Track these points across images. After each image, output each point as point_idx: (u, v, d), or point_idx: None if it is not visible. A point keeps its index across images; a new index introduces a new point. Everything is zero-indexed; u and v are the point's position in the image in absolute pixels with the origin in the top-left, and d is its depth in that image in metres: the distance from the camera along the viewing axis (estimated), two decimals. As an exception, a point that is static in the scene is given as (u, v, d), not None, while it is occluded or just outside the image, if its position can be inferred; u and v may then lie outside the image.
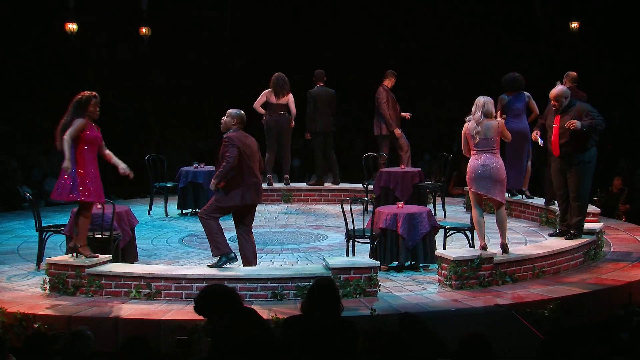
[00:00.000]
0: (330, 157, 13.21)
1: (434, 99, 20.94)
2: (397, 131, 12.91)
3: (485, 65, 20.11)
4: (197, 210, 12.28)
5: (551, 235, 9.73)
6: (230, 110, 8.34)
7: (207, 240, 10.57)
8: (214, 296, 5.52)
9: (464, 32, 20.60)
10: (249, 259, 8.42)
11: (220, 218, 8.43)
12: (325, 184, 13.43)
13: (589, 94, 10.93)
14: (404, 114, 13.14)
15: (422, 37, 20.65)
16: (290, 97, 12.74)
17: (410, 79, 20.62)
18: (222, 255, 8.29)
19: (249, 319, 5.55)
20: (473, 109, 8.55)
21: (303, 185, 13.71)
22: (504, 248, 8.69)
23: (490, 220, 9.18)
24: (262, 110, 12.78)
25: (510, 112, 11.16)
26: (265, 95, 12.72)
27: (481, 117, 8.48)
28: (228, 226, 8.98)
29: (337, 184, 13.31)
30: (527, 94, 11.27)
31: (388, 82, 13.03)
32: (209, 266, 8.45)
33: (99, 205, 8.50)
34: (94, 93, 8.26)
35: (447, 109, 20.56)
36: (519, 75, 11.30)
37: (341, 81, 13.64)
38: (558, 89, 9.24)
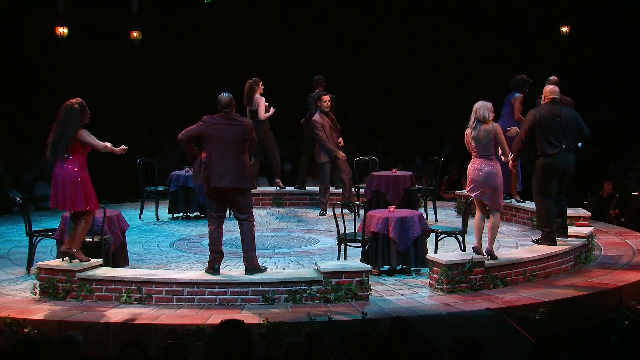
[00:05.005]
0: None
1: (425, 102, 20.99)
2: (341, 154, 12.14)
3: (476, 69, 20.18)
4: (188, 214, 12.30)
5: (533, 240, 9.74)
6: None
7: (197, 244, 10.65)
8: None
9: (455, 37, 20.65)
10: (244, 253, 8.29)
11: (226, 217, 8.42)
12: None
13: (579, 98, 10.98)
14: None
15: (414, 41, 20.69)
16: (258, 100, 12.36)
17: (402, 83, 20.68)
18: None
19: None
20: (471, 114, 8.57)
21: (294, 189, 13.67)
22: (491, 254, 8.67)
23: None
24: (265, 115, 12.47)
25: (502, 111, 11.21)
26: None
27: (474, 122, 8.49)
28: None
29: (338, 188, 13.23)
30: (517, 95, 11.21)
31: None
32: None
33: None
34: (81, 100, 8.28)
35: (438, 113, 20.61)
36: (518, 77, 11.29)
37: (332, 85, 13.62)
38: (548, 86, 9.54)
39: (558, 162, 9.19)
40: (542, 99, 9.51)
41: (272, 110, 12.46)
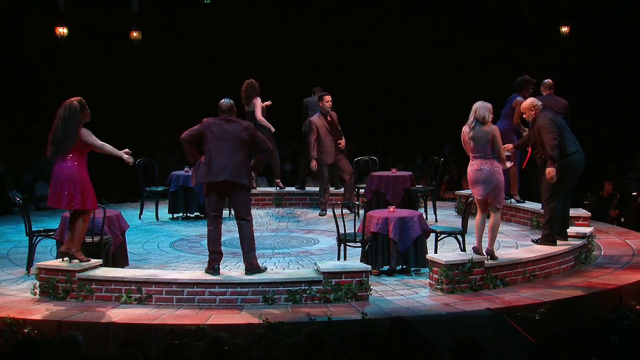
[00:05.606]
0: None
1: (425, 102, 21.00)
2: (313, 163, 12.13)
3: (476, 69, 20.18)
4: (188, 214, 12.30)
5: (533, 240, 9.72)
6: None
7: (197, 244, 10.65)
8: None
9: (455, 37, 20.65)
10: (244, 253, 8.31)
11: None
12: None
13: (578, 99, 10.96)
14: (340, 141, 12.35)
15: (414, 41, 20.69)
16: (255, 102, 12.31)
17: (402, 83, 20.67)
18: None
19: None
20: (470, 113, 8.54)
21: (294, 189, 13.67)
22: (491, 255, 8.67)
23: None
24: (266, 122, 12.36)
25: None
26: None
27: (473, 122, 8.47)
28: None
29: (339, 188, 13.20)
30: (519, 99, 11.17)
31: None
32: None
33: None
34: (80, 98, 8.27)
35: (438, 113, 20.62)
36: (522, 78, 11.24)
37: (332, 85, 13.64)
38: (527, 101, 9.41)
39: (581, 160, 9.19)
40: (529, 111, 9.18)
41: (272, 129, 12.29)
